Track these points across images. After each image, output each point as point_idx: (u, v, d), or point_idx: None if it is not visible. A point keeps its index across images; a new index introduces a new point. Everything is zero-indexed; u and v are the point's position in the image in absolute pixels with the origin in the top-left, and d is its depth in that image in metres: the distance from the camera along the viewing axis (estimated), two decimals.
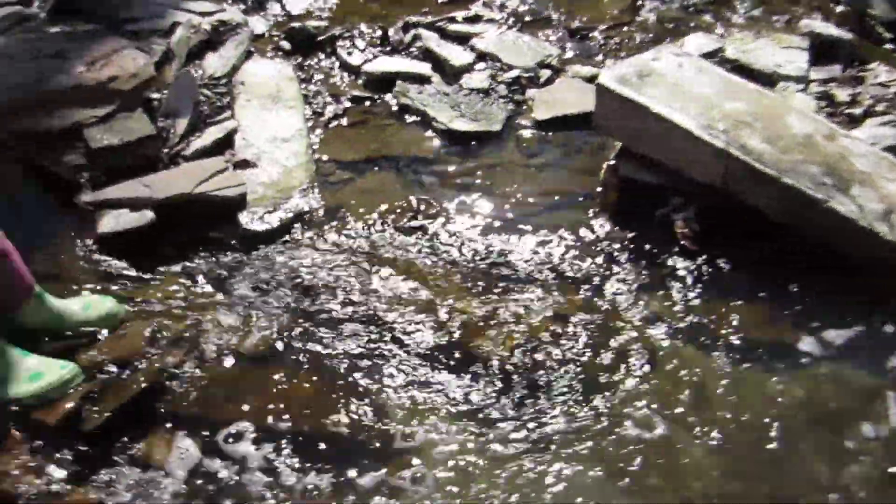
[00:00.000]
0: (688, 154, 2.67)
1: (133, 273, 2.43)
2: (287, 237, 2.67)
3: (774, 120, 2.71)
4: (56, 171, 2.66)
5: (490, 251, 2.66)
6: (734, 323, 2.39)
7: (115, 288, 2.35)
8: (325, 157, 3.12)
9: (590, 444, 2.01)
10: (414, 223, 2.75)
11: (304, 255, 2.57)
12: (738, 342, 2.33)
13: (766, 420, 2.09)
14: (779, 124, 2.69)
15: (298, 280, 2.47)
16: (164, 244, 2.53)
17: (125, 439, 1.97)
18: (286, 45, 3.93)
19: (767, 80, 3.74)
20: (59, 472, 1.88)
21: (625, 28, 4.26)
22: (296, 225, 2.72)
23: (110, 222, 2.50)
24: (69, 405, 1.95)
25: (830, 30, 4.13)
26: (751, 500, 1.93)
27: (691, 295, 2.50)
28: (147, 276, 2.43)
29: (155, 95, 3.17)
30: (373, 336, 2.31)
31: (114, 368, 2.05)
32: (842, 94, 3.58)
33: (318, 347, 2.26)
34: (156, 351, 2.13)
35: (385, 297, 2.44)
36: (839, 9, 4.60)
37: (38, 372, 1.98)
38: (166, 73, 3.35)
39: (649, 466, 1.97)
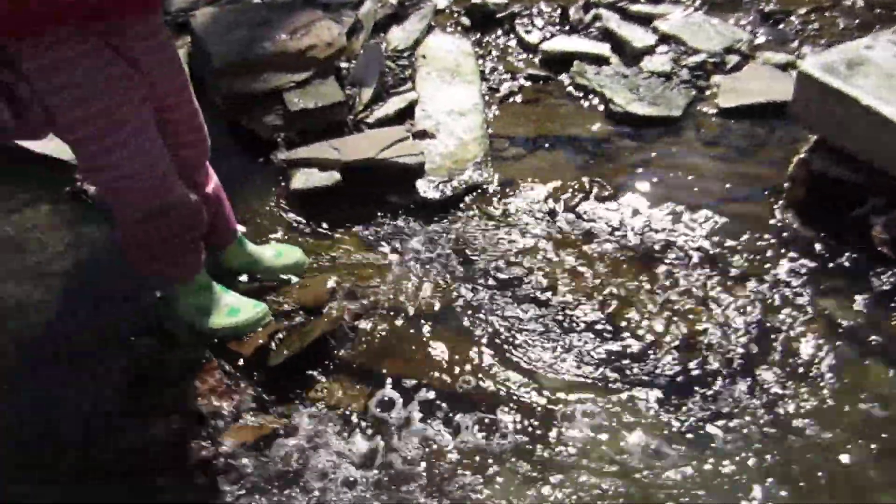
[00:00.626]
0: None
1: (320, 228, 2.56)
2: (461, 207, 2.68)
3: None
4: (256, 130, 2.86)
5: (659, 238, 2.52)
6: None
7: (301, 240, 2.49)
8: (499, 133, 3.10)
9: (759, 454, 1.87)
10: (585, 204, 2.67)
11: (476, 226, 2.57)
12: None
13: None
14: None
15: (468, 248, 2.48)
16: (347, 204, 2.64)
17: (304, 378, 2.09)
18: (466, 20, 3.94)
19: None
20: (245, 399, 2.03)
21: (826, 13, 3.84)
22: (469, 196, 2.73)
23: (301, 179, 2.65)
24: (260, 341, 2.09)
25: None
26: None
27: (881, 307, 2.22)
28: (331, 232, 2.55)
29: (344, 64, 3.31)
30: (535, 310, 2.28)
31: (299, 313, 2.18)
32: None
33: (482, 314, 2.26)
34: (336, 302, 2.24)
35: (551, 272, 2.39)
36: None
37: (235, 308, 2.13)
38: (354, 43, 3.48)
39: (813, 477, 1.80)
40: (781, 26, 3.77)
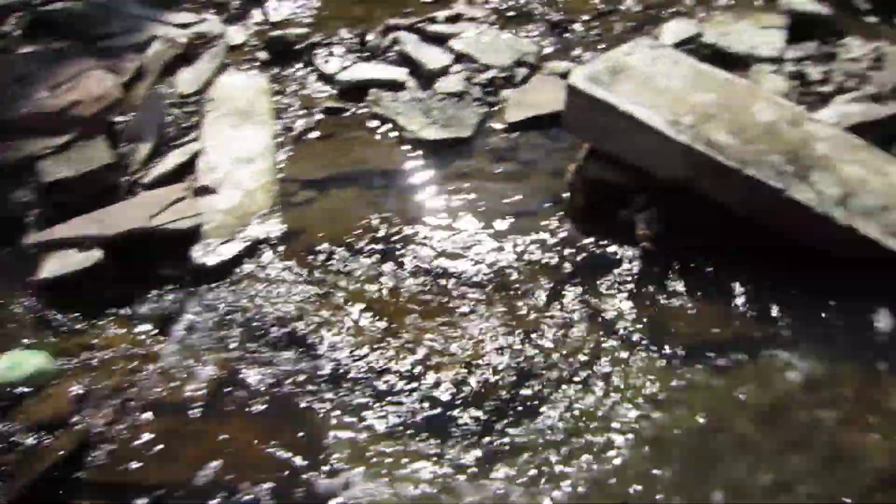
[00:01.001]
0: (655, 151, 2.25)
1: (75, 321, 2.07)
2: (243, 268, 2.27)
3: (741, 109, 2.26)
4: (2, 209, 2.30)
5: (450, 268, 2.26)
6: (691, 323, 2.01)
7: (54, 339, 1.99)
8: (292, 176, 2.70)
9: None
10: (375, 244, 2.32)
11: (257, 290, 2.19)
12: (693, 342, 1.97)
13: (716, 418, 1.73)
14: (745, 114, 2.25)
15: (246, 318, 2.08)
16: (112, 286, 2.17)
17: None
18: (263, 55, 3.50)
19: (743, 62, 3.22)
20: None
21: (607, 18, 3.72)
22: (255, 254, 2.32)
23: (54, 265, 2.16)
24: None
25: (808, 6, 3.56)
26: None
27: (646, 297, 2.11)
28: (90, 323, 2.08)
29: (120, 119, 2.79)
30: (320, 373, 1.92)
31: (33, 435, 1.70)
32: (815, 73, 3.06)
33: (261, 393, 1.87)
34: (86, 410, 1.77)
35: (341, 331, 2.05)
36: None
37: None
38: (137, 91, 2.95)
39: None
40: (567, 35, 3.60)
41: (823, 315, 1.98)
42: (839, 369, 1.83)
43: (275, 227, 2.39)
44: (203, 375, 1.90)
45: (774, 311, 2.02)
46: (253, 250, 2.30)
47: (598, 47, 3.44)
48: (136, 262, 2.21)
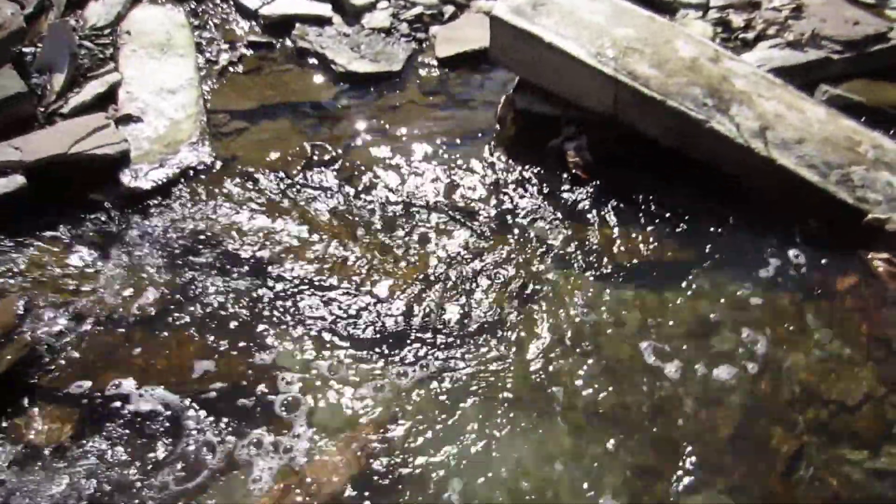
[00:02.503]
0: (580, 83, 2.55)
1: (6, 243, 2.22)
2: (175, 193, 2.46)
3: (663, 45, 2.59)
4: None
5: (385, 194, 2.52)
6: (620, 247, 2.33)
7: None
8: (219, 108, 2.88)
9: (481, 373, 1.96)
10: (309, 172, 2.58)
11: (192, 211, 2.38)
12: (624, 264, 2.29)
13: (647, 336, 2.07)
14: (667, 49, 2.58)
15: (187, 237, 2.30)
16: (39, 210, 2.31)
17: None
18: None
19: (668, 8, 3.62)
20: None
21: None
22: (185, 179, 2.52)
23: None
24: None
25: None
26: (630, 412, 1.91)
27: (580, 222, 2.42)
28: (20, 245, 2.22)
29: (29, 49, 2.88)
30: (260, 291, 2.17)
31: None
32: (738, 20, 3.48)
33: (205, 306, 2.11)
34: (29, 323, 1.96)
35: (276, 248, 2.30)
36: None
37: None
38: (41, 24, 3.04)
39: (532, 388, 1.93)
40: None
41: (747, 242, 2.32)
42: (763, 292, 2.18)
43: (206, 155, 2.59)
44: (145, 292, 2.12)
45: (701, 237, 2.34)
46: (184, 175, 2.51)
47: None
48: (63, 188, 2.37)
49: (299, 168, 2.58)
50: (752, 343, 2.05)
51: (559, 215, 2.44)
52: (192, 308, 2.09)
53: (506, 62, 2.75)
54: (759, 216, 2.39)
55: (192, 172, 2.53)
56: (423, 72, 3.14)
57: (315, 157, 2.62)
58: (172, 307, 2.10)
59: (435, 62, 3.20)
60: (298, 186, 2.52)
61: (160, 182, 2.45)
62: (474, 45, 3.20)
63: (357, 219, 2.42)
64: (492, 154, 2.67)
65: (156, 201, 2.41)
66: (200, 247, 2.29)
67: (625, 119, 2.53)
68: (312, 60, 3.17)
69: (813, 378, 1.97)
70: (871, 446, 1.82)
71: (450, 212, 2.46)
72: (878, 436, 1.85)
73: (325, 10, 3.46)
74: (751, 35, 3.40)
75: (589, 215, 2.44)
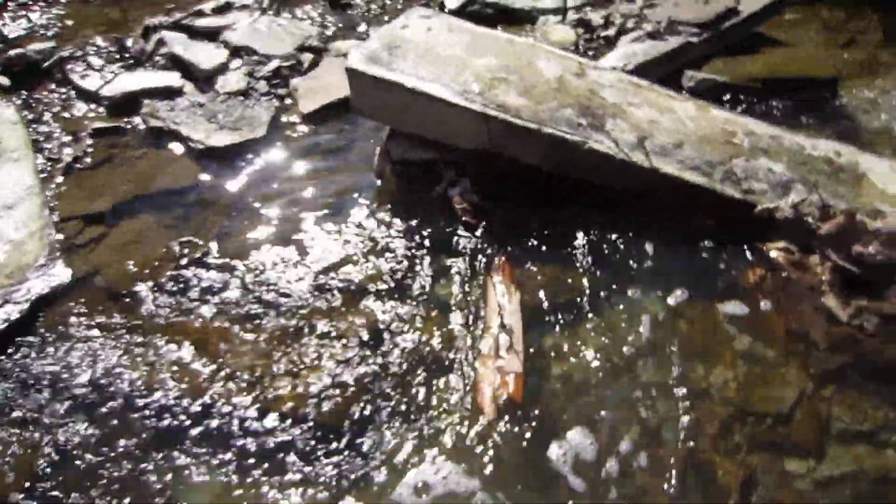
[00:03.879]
0: (451, 123, 2.43)
1: None
2: (31, 332, 2.15)
3: (527, 68, 2.51)
4: None
5: (269, 283, 2.30)
6: (526, 289, 2.22)
7: None
8: (69, 213, 2.57)
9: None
10: (180, 272, 2.32)
11: (53, 353, 2.09)
12: (534, 305, 2.17)
13: (568, 382, 1.96)
14: (532, 72, 2.49)
15: (47, 385, 2.00)
16: None
17: None
18: (4, 80, 3.24)
19: (528, 16, 3.57)
20: None
21: None
22: (39, 313, 2.21)
23: None
24: None
25: None
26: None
27: (475, 270, 2.29)
28: None
29: None
30: (143, 435, 1.91)
31: None
32: (596, 18, 3.47)
33: (81, 469, 1.83)
34: None
35: (157, 376, 2.03)
36: None
37: None
38: None
39: None
40: (350, 11, 3.73)
41: (649, 255, 2.27)
42: (676, 305, 2.12)
43: (59, 278, 2.29)
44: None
45: (603, 258, 2.27)
46: (37, 309, 2.20)
47: (384, 19, 3.63)
48: None
49: (169, 273, 2.31)
50: (678, 365, 1.98)
51: (458, 268, 2.29)
52: (61, 476, 1.80)
53: (371, 113, 2.59)
54: (657, 225, 2.34)
55: (45, 303, 2.21)
56: (289, 132, 2.94)
57: (185, 256, 2.37)
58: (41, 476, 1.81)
59: (300, 119, 2.99)
60: (170, 295, 2.25)
61: (5, 324, 2.12)
62: (339, 92, 3.03)
63: (239, 323, 2.18)
64: (375, 214, 2.50)
65: (4, 349, 2.09)
66: (67, 391, 1.99)
67: (504, 152, 2.42)
68: (168, 139, 2.90)
69: (742, 392, 1.91)
70: (815, 453, 1.78)
71: (342, 289, 2.27)
72: (817, 439, 1.81)
73: (174, 79, 3.20)
74: (611, 31, 3.39)
75: (478, 262, 2.30)
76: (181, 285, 2.28)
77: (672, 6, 3.38)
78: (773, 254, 2.17)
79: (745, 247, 2.23)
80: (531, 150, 2.38)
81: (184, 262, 2.34)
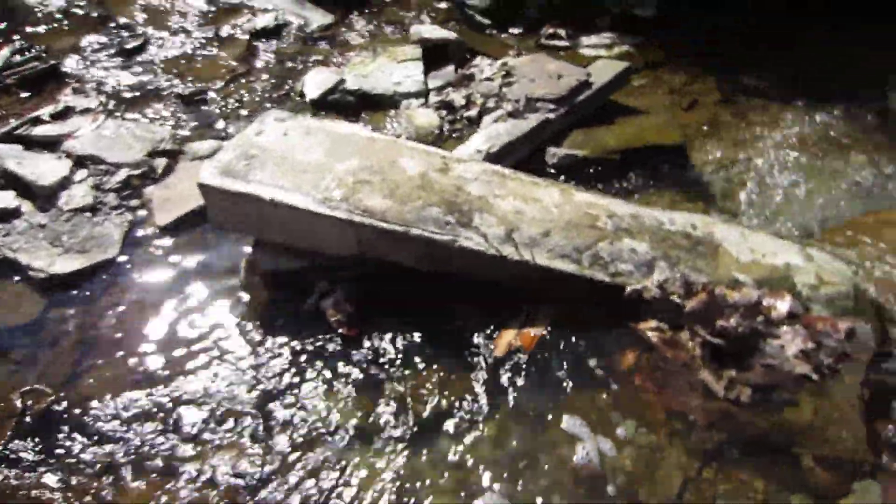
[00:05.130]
0: (318, 232, 2.37)
1: None
2: None
3: (390, 167, 2.51)
4: None
5: (126, 437, 2.10)
6: (413, 402, 2.16)
7: None
8: None
9: None
10: (21, 432, 2.08)
11: None
12: (424, 420, 2.12)
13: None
14: (395, 171, 2.49)
15: None
16: None
17: None
18: None
19: (390, 102, 3.61)
20: None
21: (243, 80, 3.84)
22: None
23: None
24: None
25: (436, 32, 4.11)
26: None
27: (363, 391, 2.19)
28: None
29: None
30: None
31: None
32: (458, 98, 3.56)
33: None
34: None
35: None
36: (442, 5, 4.67)
37: None
38: None
39: None
40: (205, 107, 3.62)
41: (544, 349, 2.28)
42: (565, 400, 2.14)
43: None
44: None
45: (480, 359, 2.25)
46: None
47: (241, 114, 3.55)
48: None
49: (10, 432, 2.07)
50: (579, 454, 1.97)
51: (341, 391, 2.20)
52: None
53: (231, 226, 2.49)
54: (542, 314, 2.36)
55: None
56: (146, 248, 2.76)
57: (29, 409, 2.13)
58: None
59: (157, 232, 2.83)
60: (13, 459, 2.01)
61: None
62: (199, 199, 2.86)
63: (93, 491, 1.97)
64: (245, 335, 2.37)
65: None
66: None
67: (376, 256, 2.38)
68: (5, 270, 2.64)
69: (633, 481, 1.93)
70: None
71: (210, 430, 2.11)
72: None
73: (8, 199, 2.95)
74: (474, 112, 3.48)
75: (364, 377, 2.23)
76: (21, 446, 2.04)
77: (528, 82, 3.53)
78: (648, 334, 2.25)
79: (621, 329, 2.30)
80: (403, 252, 2.36)
81: (28, 414, 2.10)
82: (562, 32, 4.42)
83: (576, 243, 2.35)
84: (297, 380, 2.23)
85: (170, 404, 2.17)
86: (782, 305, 2.21)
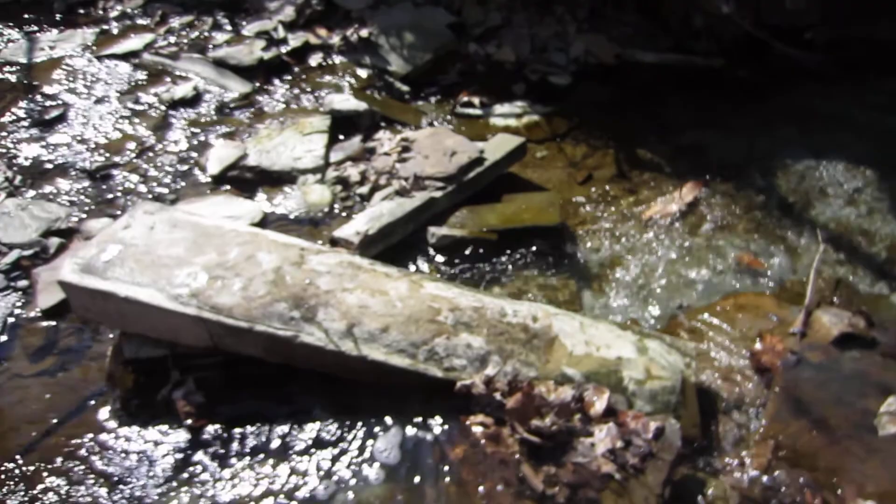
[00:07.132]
0: (172, 325, 2.57)
1: None
2: None
3: (247, 262, 2.71)
4: None
5: None
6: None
7: None
8: None
9: None
10: None
11: None
12: None
13: None
14: (251, 266, 2.70)
15: None
16: None
17: None
18: None
19: (288, 177, 3.84)
20: None
21: (151, 153, 4.07)
22: None
23: None
24: None
25: (348, 103, 4.36)
26: None
27: (204, 485, 2.38)
28: None
29: None
30: None
31: None
32: (354, 174, 3.78)
33: None
34: None
35: None
36: (363, 72, 4.92)
37: None
38: None
39: None
40: (110, 182, 3.84)
41: (354, 440, 2.45)
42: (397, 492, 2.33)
43: None
44: None
45: (338, 446, 2.42)
46: None
47: (141, 190, 3.77)
48: None
49: None
50: None
51: (187, 481, 2.37)
52: None
53: (93, 319, 2.70)
54: (369, 409, 2.54)
55: None
56: (24, 332, 2.96)
57: None
58: None
59: (38, 315, 3.03)
60: None
61: None
62: None
63: None
64: (105, 427, 2.55)
65: None
66: None
67: (227, 349, 2.58)
68: None
69: None
70: None
71: None
72: None
73: None
74: (366, 188, 3.71)
75: (207, 471, 2.41)
76: None
77: (422, 159, 3.76)
78: (474, 428, 2.43)
79: (451, 422, 2.48)
80: (251, 346, 2.56)
81: None
82: (475, 101, 4.67)
83: (413, 338, 2.55)
84: (144, 470, 2.42)
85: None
86: (600, 403, 2.40)
